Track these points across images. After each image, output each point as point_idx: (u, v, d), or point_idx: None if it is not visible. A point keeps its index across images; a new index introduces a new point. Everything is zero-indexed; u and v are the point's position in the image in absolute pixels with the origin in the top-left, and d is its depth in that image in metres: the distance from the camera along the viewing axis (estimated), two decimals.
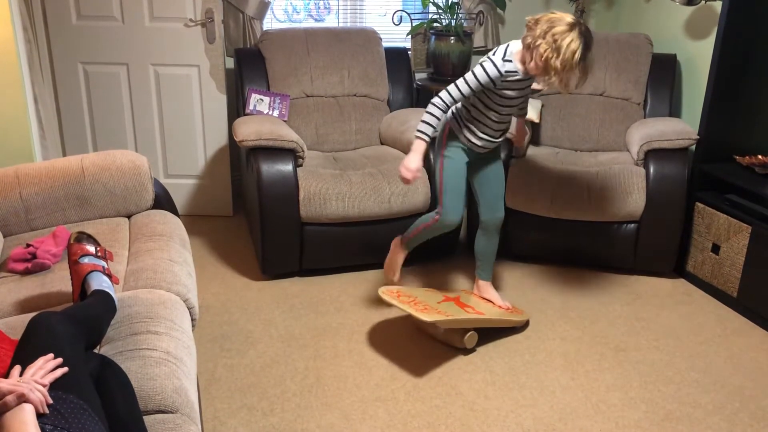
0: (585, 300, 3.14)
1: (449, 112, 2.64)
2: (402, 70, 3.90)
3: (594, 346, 2.78)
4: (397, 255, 2.86)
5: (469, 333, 2.67)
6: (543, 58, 2.31)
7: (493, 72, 2.43)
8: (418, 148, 2.50)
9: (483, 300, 2.92)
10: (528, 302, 3.09)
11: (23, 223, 2.52)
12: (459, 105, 2.62)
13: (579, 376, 2.59)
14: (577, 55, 2.29)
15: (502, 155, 3.30)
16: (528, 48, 2.37)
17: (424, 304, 2.63)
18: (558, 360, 2.68)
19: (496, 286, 3.08)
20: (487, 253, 2.90)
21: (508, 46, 2.47)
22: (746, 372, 2.64)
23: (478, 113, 2.57)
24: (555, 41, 2.28)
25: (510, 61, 2.43)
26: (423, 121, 2.49)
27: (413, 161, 2.49)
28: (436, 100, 2.49)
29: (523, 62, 2.43)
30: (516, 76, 2.46)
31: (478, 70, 2.45)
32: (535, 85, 3.65)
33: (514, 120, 2.97)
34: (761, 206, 2.96)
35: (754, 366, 2.68)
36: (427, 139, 2.49)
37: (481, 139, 2.62)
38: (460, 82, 2.47)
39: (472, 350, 2.70)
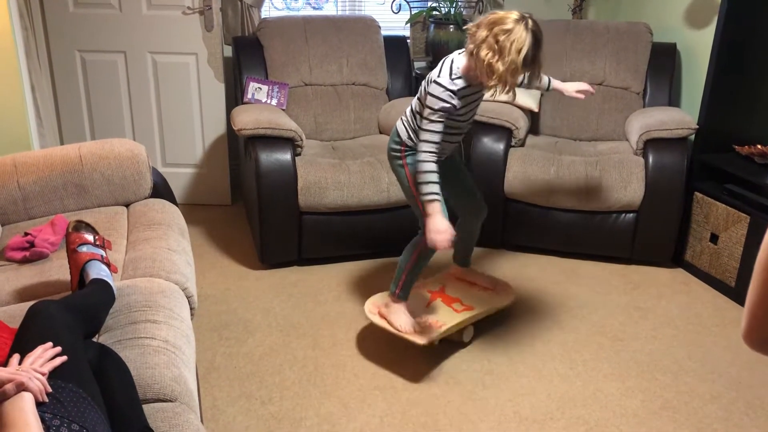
0: (583, 290, 3.14)
1: (404, 132, 2.42)
2: (401, 58, 3.88)
3: (592, 335, 2.79)
4: (398, 312, 2.54)
5: (466, 327, 2.66)
6: (486, 63, 2.09)
7: (450, 98, 2.20)
8: (436, 209, 2.22)
9: (467, 284, 2.86)
10: (526, 292, 3.10)
11: (21, 211, 2.51)
12: (413, 123, 2.39)
13: (577, 365, 2.59)
14: (523, 52, 2.07)
15: (501, 145, 3.31)
16: (471, 56, 2.16)
17: (416, 317, 2.59)
18: (556, 349, 2.69)
19: (494, 274, 3.08)
20: (470, 243, 2.82)
21: (452, 62, 2.24)
22: (743, 362, 2.64)
23: (442, 135, 2.35)
24: (497, 42, 2.07)
25: (459, 77, 2.22)
26: (427, 182, 2.23)
27: (441, 223, 2.22)
28: (425, 156, 2.23)
29: (470, 73, 2.22)
30: (467, 91, 2.26)
31: (435, 104, 2.21)
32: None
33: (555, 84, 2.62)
34: (760, 196, 2.96)
35: (752, 356, 2.68)
36: (439, 198, 2.24)
37: (446, 151, 2.47)
38: (428, 126, 2.22)
39: (469, 343, 2.70)
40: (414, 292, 2.74)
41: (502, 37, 2.07)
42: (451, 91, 2.21)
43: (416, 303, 2.68)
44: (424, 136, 2.24)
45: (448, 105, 2.21)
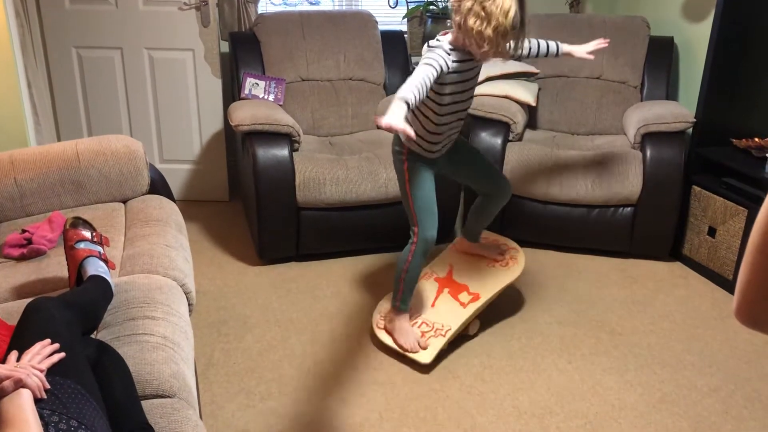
0: (581, 284, 3.14)
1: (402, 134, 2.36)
2: (398, 53, 3.88)
3: (590, 329, 2.79)
4: (402, 325, 2.55)
5: (473, 321, 2.65)
6: (475, 32, 2.09)
7: (443, 53, 2.17)
8: (398, 106, 1.98)
9: (475, 257, 2.83)
10: (524, 286, 3.10)
11: (18, 208, 2.51)
12: (415, 118, 2.37)
13: (575, 359, 2.60)
14: (510, 15, 2.07)
15: (499, 140, 3.31)
16: (459, 28, 2.15)
17: (422, 321, 2.60)
18: (554, 343, 2.69)
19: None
20: (485, 220, 2.78)
21: (440, 41, 2.22)
22: (741, 355, 2.65)
23: (431, 123, 2.34)
24: (483, 9, 2.07)
25: (454, 50, 2.21)
26: (407, 93, 2.01)
27: (394, 117, 1.94)
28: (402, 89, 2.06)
29: (458, 45, 2.21)
30: (459, 56, 2.22)
31: (426, 53, 2.17)
32: (530, 68, 3.64)
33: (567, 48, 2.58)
34: (757, 189, 2.96)
35: (749, 348, 2.69)
36: (407, 100, 1.99)
37: (440, 144, 2.42)
38: (417, 68, 2.13)
39: (474, 336, 2.69)
40: (422, 284, 2.76)
41: (487, 3, 2.08)
42: (444, 49, 2.19)
43: (422, 302, 2.68)
44: (417, 74, 2.10)
45: (441, 58, 2.15)
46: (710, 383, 2.47)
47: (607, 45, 2.62)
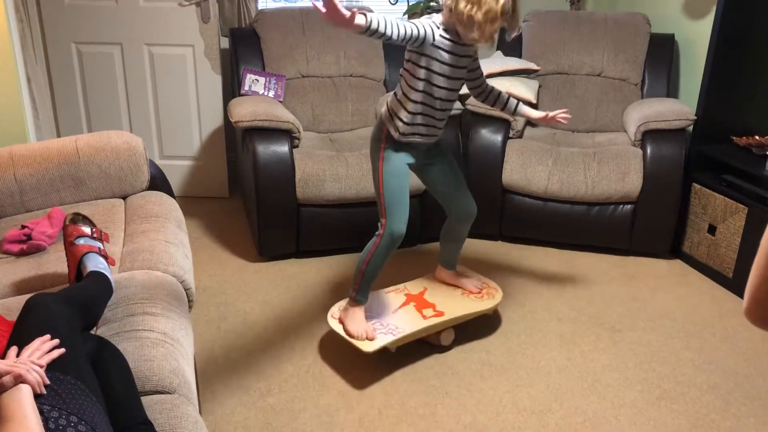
0: (581, 281, 3.15)
1: (384, 111, 2.39)
2: (398, 50, 3.84)
3: (590, 326, 2.79)
4: (354, 314, 2.47)
5: (445, 330, 2.58)
6: (466, 16, 2.09)
7: (430, 28, 2.18)
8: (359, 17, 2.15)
9: (453, 287, 2.77)
10: (524, 283, 3.10)
11: (18, 204, 2.51)
12: (396, 99, 2.37)
13: (575, 356, 2.60)
14: (501, 1, 2.07)
15: (499, 137, 3.31)
16: (450, 11, 2.15)
17: (378, 321, 2.52)
18: (554, 340, 2.69)
19: (492, 267, 3.08)
20: (458, 246, 2.73)
21: (431, 17, 2.24)
22: (741, 352, 2.65)
23: (417, 104, 2.33)
24: None
25: (446, 29, 2.20)
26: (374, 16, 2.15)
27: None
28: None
29: (449, 28, 2.20)
30: (450, 38, 2.22)
31: (417, 20, 2.19)
32: (531, 65, 3.64)
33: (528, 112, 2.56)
34: (758, 187, 2.96)
35: (749, 346, 2.69)
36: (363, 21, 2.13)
37: (423, 132, 2.38)
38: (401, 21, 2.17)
39: (448, 348, 2.63)
40: (390, 295, 2.69)
41: None
42: (434, 21, 2.20)
43: (385, 307, 2.60)
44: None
45: (427, 26, 2.18)
46: (709, 380, 2.47)
47: (567, 120, 2.52)
